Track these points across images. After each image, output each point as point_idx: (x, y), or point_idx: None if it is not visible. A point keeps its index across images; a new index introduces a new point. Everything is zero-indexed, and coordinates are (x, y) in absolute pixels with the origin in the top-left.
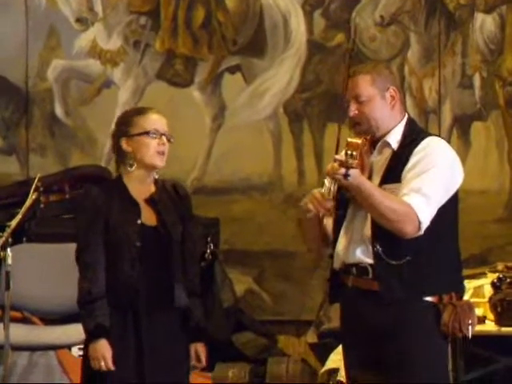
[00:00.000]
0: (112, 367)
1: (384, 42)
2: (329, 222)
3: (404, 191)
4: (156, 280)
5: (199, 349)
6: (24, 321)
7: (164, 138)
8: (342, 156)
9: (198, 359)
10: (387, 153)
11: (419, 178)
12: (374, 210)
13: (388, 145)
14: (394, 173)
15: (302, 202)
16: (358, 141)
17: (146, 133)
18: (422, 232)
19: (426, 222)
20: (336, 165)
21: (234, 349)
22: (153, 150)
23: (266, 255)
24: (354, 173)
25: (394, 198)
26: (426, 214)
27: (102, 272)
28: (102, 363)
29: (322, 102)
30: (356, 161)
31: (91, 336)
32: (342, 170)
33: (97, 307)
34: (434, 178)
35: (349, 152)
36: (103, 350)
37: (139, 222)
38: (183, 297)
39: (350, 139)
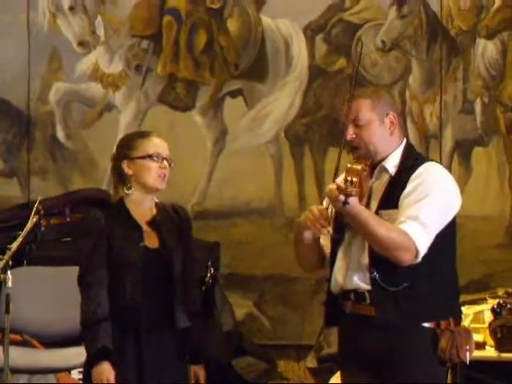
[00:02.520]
0: None
1: (385, 67)
2: (325, 243)
3: (401, 219)
4: (157, 302)
5: (198, 371)
6: (24, 344)
7: (165, 162)
8: (341, 182)
9: (197, 381)
10: (385, 178)
11: (416, 205)
12: (371, 238)
13: (385, 170)
14: (391, 198)
15: (300, 218)
16: (358, 167)
17: (149, 156)
18: (419, 260)
19: (423, 250)
20: (335, 190)
21: (234, 373)
22: (154, 174)
23: (267, 279)
24: (353, 201)
25: (390, 226)
26: (423, 242)
27: (106, 293)
28: None
29: (323, 126)
30: (356, 188)
31: (95, 358)
32: (342, 197)
33: (101, 329)
34: (431, 205)
35: (349, 178)
36: (107, 373)
37: (142, 244)
38: (184, 318)
39: (349, 165)
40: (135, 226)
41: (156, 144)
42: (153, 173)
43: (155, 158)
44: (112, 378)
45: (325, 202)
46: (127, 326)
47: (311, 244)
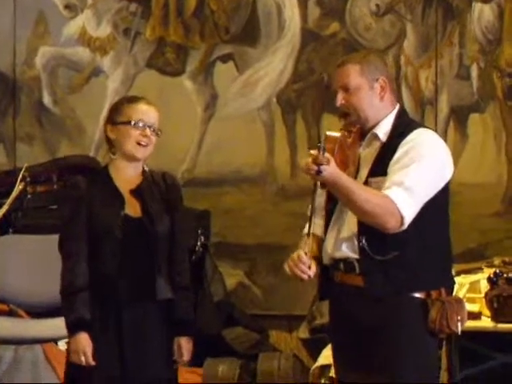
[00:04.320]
0: (92, 362)
1: (380, 32)
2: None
3: (386, 184)
4: (138, 273)
5: (182, 343)
6: (10, 313)
7: (148, 131)
8: (315, 151)
9: (180, 354)
10: (376, 145)
11: (403, 171)
12: (353, 205)
13: (376, 137)
14: (381, 165)
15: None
16: (337, 134)
17: (130, 122)
18: (405, 227)
19: (408, 216)
20: (309, 161)
21: (224, 344)
22: (133, 140)
23: (258, 248)
24: (327, 169)
25: (373, 192)
26: (408, 208)
27: (85, 263)
28: (82, 358)
29: (316, 91)
30: (328, 156)
31: (71, 329)
32: (314, 167)
33: (78, 299)
34: (419, 171)
35: (322, 146)
36: (83, 344)
37: (122, 213)
38: (166, 289)
39: (328, 133)
40: (117, 193)
41: (141, 110)
42: (132, 140)
43: (136, 125)
44: (88, 350)
45: (303, 244)
46: (106, 298)
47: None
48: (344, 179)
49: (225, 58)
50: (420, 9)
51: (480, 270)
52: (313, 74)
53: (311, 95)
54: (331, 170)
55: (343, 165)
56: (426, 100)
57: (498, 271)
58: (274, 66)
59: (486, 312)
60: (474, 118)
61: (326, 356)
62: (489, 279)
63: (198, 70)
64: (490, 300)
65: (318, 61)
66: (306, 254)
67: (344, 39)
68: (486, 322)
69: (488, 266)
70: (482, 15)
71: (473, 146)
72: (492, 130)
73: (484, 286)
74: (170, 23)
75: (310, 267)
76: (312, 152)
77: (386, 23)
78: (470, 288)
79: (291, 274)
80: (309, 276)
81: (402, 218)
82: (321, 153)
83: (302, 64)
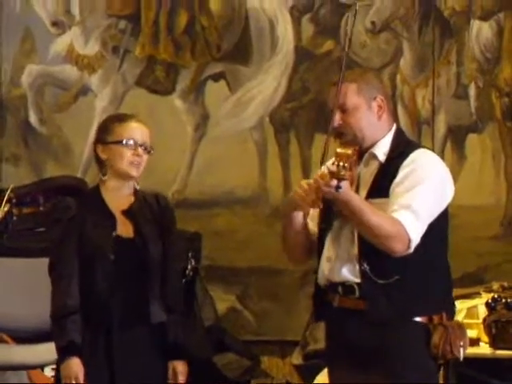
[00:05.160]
0: None
1: (375, 50)
2: (314, 230)
3: (394, 207)
4: (131, 295)
5: (177, 367)
6: None
7: (140, 150)
8: (332, 166)
9: (176, 378)
10: (374, 165)
11: (408, 194)
12: (363, 226)
13: (375, 157)
14: (380, 187)
15: (288, 196)
16: (349, 151)
17: (122, 142)
18: (411, 250)
19: (415, 239)
20: (326, 175)
21: (216, 370)
22: (126, 160)
23: (250, 272)
24: (346, 186)
25: (383, 214)
26: (416, 231)
27: (76, 286)
28: (74, 382)
29: (310, 111)
30: (348, 172)
31: (62, 353)
32: (334, 182)
33: (69, 322)
34: (424, 194)
35: (341, 163)
36: (75, 369)
37: (114, 234)
38: (159, 313)
39: (339, 150)
40: (108, 214)
41: (132, 129)
42: (125, 159)
43: (129, 144)
44: (80, 375)
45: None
46: (98, 321)
47: (300, 229)
48: (356, 198)
49: (216, 77)
50: (417, 26)
51: (478, 294)
52: (307, 93)
53: (305, 115)
54: (348, 187)
55: (350, 183)
56: (423, 120)
57: (496, 296)
58: (266, 84)
59: (485, 338)
60: (472, 138)
61: (320, 382)
62: (487, 304)
63: (189, 88)
64: (488, 326)
65: (312, 80)
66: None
67: (338, 57)
68: (484, 349)
69: (486, 291)
70: (481, 33)
71: (471, 168)
72: (490, 150)
73: (482, 311)
74: (160, 41)
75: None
76: (331, 167)
77: (382, 41)
78: (468, 313)
79: (300, 204)
80: (319, 206)
81: (409, 241)
82: (340, 168)
83: (295, 83)
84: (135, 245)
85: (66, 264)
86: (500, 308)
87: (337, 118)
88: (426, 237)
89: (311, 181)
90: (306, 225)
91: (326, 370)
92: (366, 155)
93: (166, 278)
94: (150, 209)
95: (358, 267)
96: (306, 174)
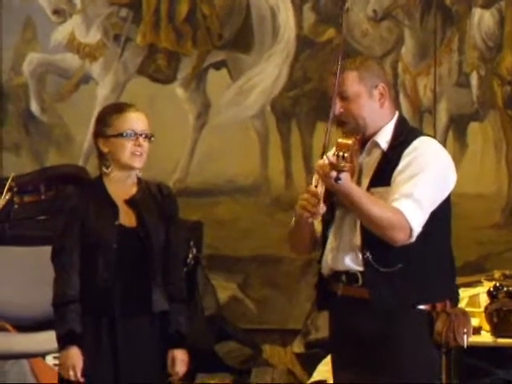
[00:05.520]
0: (81, 379)
1: (377, 38)
2: (318, 228)
3: (395, 196)
4: (133, 284)
5: (178, 355)
6: None
7: (141, 139)
8: (332, 157)
9: (174, 366)
10: (376, 154)
11: (410, 182)
12: (363, 216)
13: (377, 145)
14: (383, 175)
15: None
16: (349, 141)
17: (122, 134)
18: (413, 239)
19: (417, 228)
20: (326, 166)
21: (217, 359)
22: (128, 152)
23: (252, 261)
24: (346, 177)
25: (383, 204)
26: (417, 220)
27: (77, 275)
28: (71, 373)
29: (311, 100)
30: (348, 164)
31: (62, 342)
32: (334, 174)
33: (69, 310)
34: (426, 182)
35: (340, 154)
36: (73, 359)
37: (117, 223)
38: (161, 301)
39: (340, 140)
40: (110, 203)
41: (130, 120)
42: (127, 151)
43: (129, 136)
44: (78, 365)
45: (314, 180)
46: (100, 310)
47: (306, 229)
48: (356, 190)
49: (218, 65)
50: (418, 14)
51: (480, 283)
52: (308, 82)
53: (306, 103)
54: (348, 178)
55: (351, 173)
56: (425, 108)
57: (498, 285)
58: (268, 72)
59: (486, 326)
60: (473, 127)
61: (321, 371)
62: (489, 293)
63: (190, 77)
64: (489, 314)
65: (314, 68)
66: (316, 187)
67: (339, 46)
68: (485, 337)
69: (488, 280)
70: (482, 21)
71: (472, 156)
72: (492, 139)
73: (484, 299)
74: (162, 29)
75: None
76: (331, 158)
77: (384, 29)
78: (469, 302)
79: (303, 214)
80: (318, 213)
81: (411, 230)
82: (340, 159)
83: (296, 71)
84: (138, 234)
85: (68, 253)
86: (502, 297)
87: (338, 107)
88: (428, 224)
89: (312, 187)
90: (312, 224)
91: (327, 359)
92: (368, 144)
93: (168, 266)
94: (153, 198)
95: (360, 256)
96: (308, 162)
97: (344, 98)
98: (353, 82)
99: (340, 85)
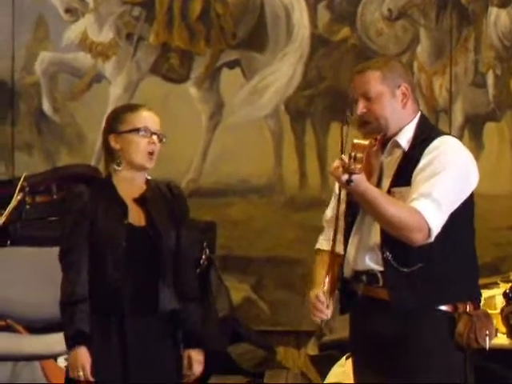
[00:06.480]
0: (91, 378)
1: (392, 37)
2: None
3: (413, 196)
4: (142, 283)
5: (193, 355)
6: (7, 329)
7: (154, 138)
8: (345, 158)
9: (191, 367)
10: (397, 153)
11: (429, 182)
12: (380, 217)
13: (398, 145)
14: (404, 175)
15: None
16: (365, 142)
17: (136, 130)
18: (432, 239)
19: (436, 229)
20: (338, 168)
21: (230, 361)
22: (142, 150)
23: (265, 262)
24: (358, 179)
25: (401, 204)
26: (436, 220)
27: (85, 274)
28: (81, 373)
29: (326, 99)
30: (360, 165)
31: (70, 343)
32: (345, 176)
33: (78, 310)
34: (446, 181)
35: (352, 154)
36: (82, 359)
37: (126, 222)
38: (170, 301)
39: (356, 140)
40: (120, 202)
41: (145, 117)
42: (140, 148)
43: (143, 133)
44: (87, 365)
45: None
46: (110, 309)
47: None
48: (372, 190)
49: (231, 64)
50: (434, 13)
51: (496, 285)
52: (322, 81)
53: (321, 102)
54: (361, 180)
55: (368, 174)
56: (440, 108)
57: None
58: (282, 72)
59: (502, 328)
60: (489, 126)
61: (336, 373)
62: (505, 295)
63: (204, 76)
64: (506, 316)
65: (328, 67)
66: (323, 292)
67: (354, 45)
68: (501, 339)
69: (504, 281)
70: (499, 20)
71: (488, 156)
72: (508, 139)
73: (500, 301)
74: (175, 28)
75: (327, 306)
76: (343, 159)
77: (399, 28)
78: (485, 304)
79: (317, 319)
80: (326, 316)
81: (429, 230)
82: (352, 161)
83: (311, 70)
84: (147, 233)
85: (76, 253)
86: None
87: (360, 107)
88: (450, 224)
89: (318, 292)
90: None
91: (341, 361)
92: (390, 143)
93: (179, 267)
94: (163, 198)
95: (380, 255)
96: (322, 162)
97: (367, 98)
98: (376, 82)
99: (363, 84)
